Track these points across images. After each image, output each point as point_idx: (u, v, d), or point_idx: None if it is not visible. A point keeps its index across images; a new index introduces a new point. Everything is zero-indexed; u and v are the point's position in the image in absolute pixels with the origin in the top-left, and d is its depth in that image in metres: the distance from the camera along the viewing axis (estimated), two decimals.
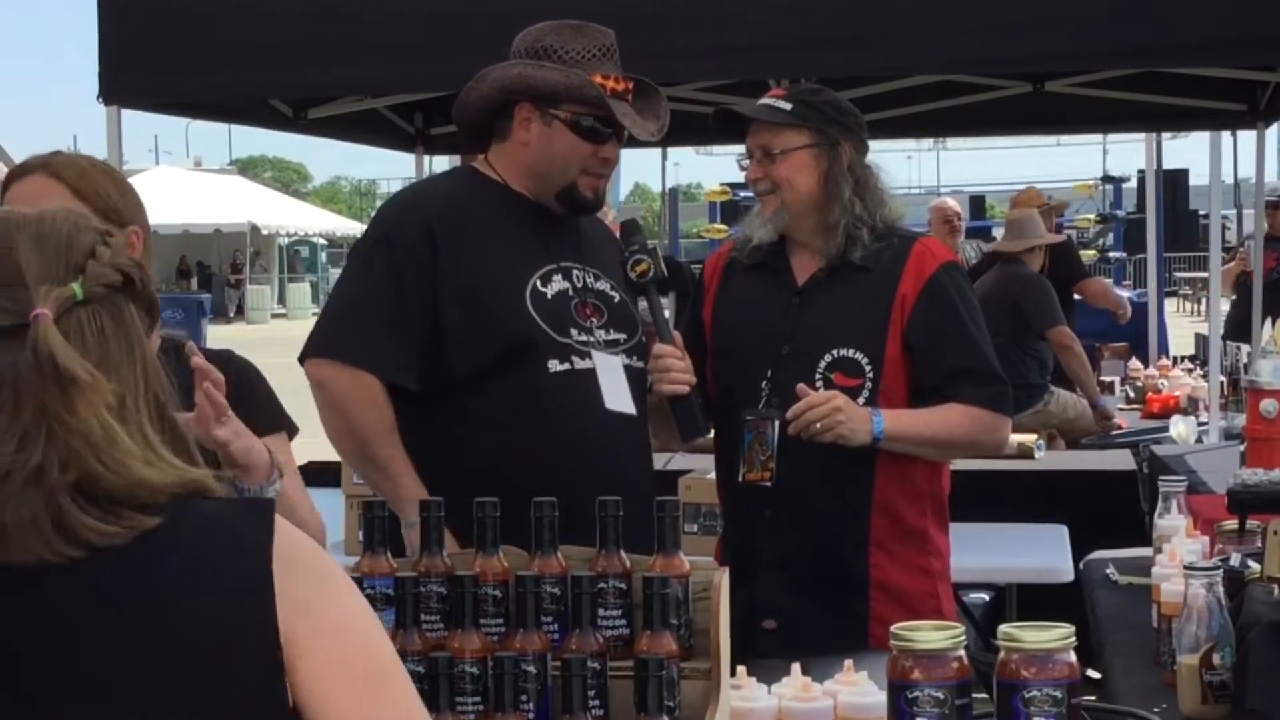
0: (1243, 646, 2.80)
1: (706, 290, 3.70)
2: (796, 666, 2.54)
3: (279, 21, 5.32)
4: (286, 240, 47.15)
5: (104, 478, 1.52)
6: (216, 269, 44.21)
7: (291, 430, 2.88)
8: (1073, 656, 2.15)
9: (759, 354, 3.52)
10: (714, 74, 5.80)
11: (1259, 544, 3.19)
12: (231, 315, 40.73)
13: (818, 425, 3.34)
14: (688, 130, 6.51)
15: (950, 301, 3.50)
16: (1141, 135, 14.31)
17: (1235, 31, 4.83)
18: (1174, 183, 23.11)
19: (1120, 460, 6.61)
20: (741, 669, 2.51)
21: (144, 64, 5.43)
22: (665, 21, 5.02)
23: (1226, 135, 8.85)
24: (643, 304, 3.48)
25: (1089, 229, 23.64)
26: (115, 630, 1.50)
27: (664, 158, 14.04)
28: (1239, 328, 8.56)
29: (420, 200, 3.47)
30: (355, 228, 41.02)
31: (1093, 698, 3.11)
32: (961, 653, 2.17)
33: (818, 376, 3.45)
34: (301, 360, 3.31)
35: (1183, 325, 20.52)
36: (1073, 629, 2.16)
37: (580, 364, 3.29)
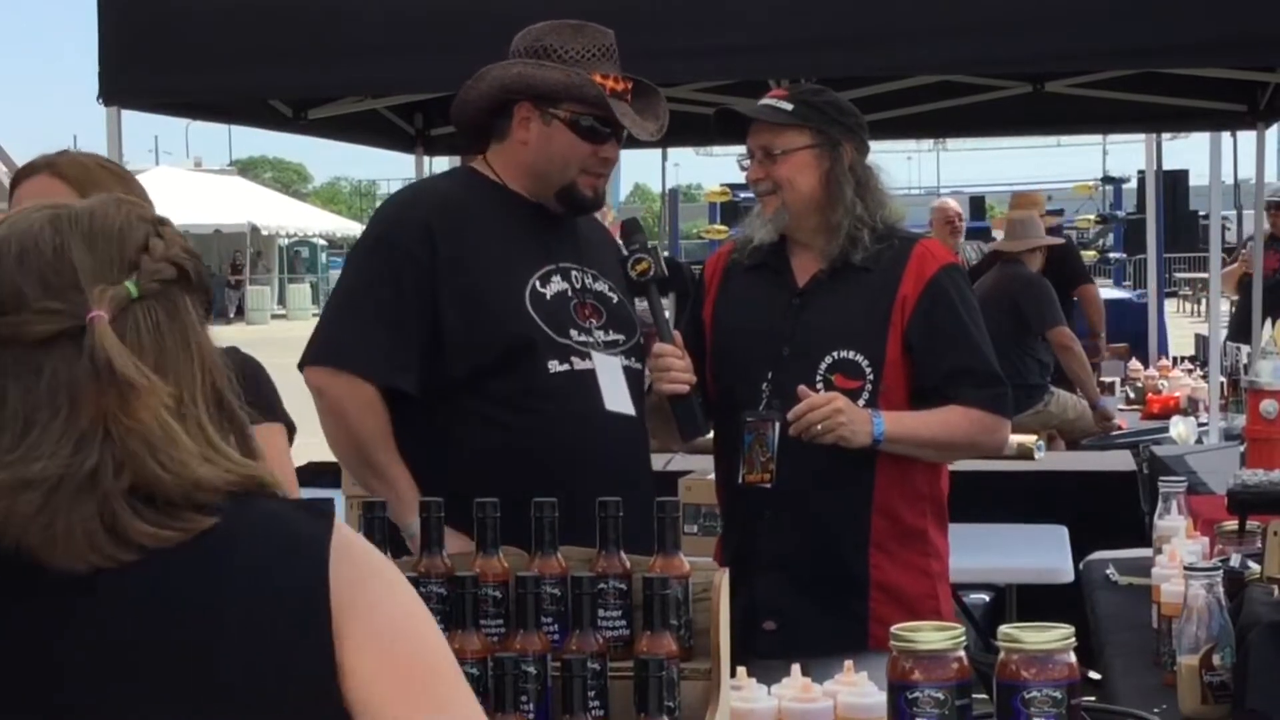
0: (1243, 647, 2.80)
1: (707, 291, 3.70)
2: (796, 667, 2.54)
3: (279, 21, 5.32)
4: (286, 241, 47.15)
5: (161, 480, 1.51)
6: (216, 270, 44.21)
7: (289, 426, 2.88)
8: (1073, 657, 2.14)
9: (759, 355, 3.52)
10: (714, 74, 5.80)
11: (1259, 544, 3.19)
12: (231, 316, 40.72)
13: (818, 427, 3.34)
14: (688, 130, 6.52)
15: (951, 303, 3.50)
16: (1141, 135, 14.31)
17: (1235, 31, 4.83)
18: (1174, 183, 23.10)
19: (1120, 461, 6.61)
20: (741, 669, 2.51)
21: (144, 64, 5.43)
22: (665, 21, 5.02)
23: (1226, 135, 8.86)
24: (643, 304, 3.48)
25: (1089, 229, 23.65)
26: (168, 632, 1.50)
27: (664, 158, 14.04)
28: (1242, 328, 8.56)
29: (419, 200, 3.47)
30: (355, 228, 41.02)
31: (1093, 698, 3.11)
32: (961, 653, 2.17)
33: (818, 378, 3.44)
34: (301, 367, 3.30)
35: (1183, 326, 20.52)
36: (1073, 630, 2.16)
37: (580, 365, 3.29)
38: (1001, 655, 2.16)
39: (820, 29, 5.00)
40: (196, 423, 1.55)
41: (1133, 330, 11.51)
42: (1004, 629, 2.17)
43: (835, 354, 3.46)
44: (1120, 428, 8.08)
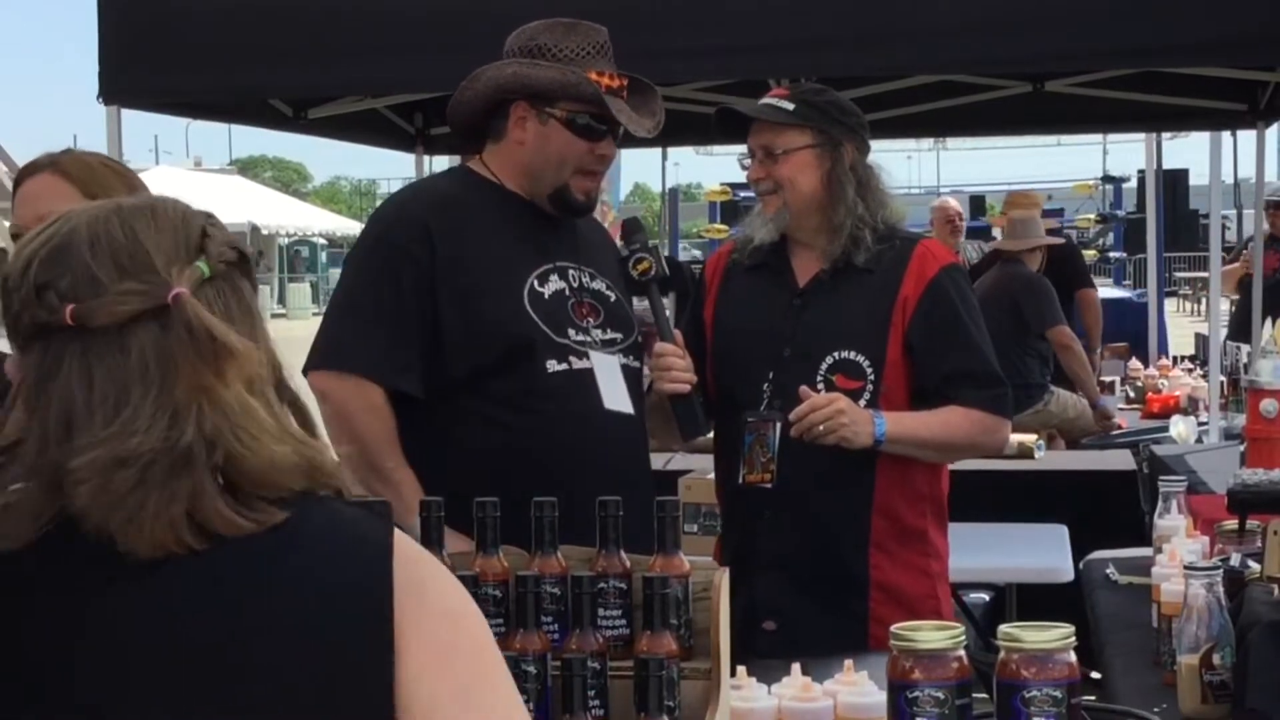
0: (1243, 646, 2.80)
1: (707, 291, 3.70)
2: (796, 667, 2.54)
3: (279, 21, 5.32)
4: (286, 240, 47.15)
5: (243, 457, 1.53)
6: None
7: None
8: (1073, 656, 2.15)
9: (760, 356, 3.52)
10: (714, 74, 5.79)
11: (1259, 544, 3.19)
12: None
13: (821, 428, 3.34)
14: (688, 130, 6.52)
15: (952, 304, 3.50)
16: (1141, 135, 14.31)
17: (1235, 31, 4.83)
18: (1174, 183, 23.09)
19: (1120, 460, 6.61)
20: (741, 669, 2.51)
21: (144, 64, 5.42)
22: (665, 21, 5.02)
23: (1226, 135, 8.85)
24: (643, 303, 3.48)
25: (1089, 229, 23.64)
26: (228, 627, 1.51)
27: (664, 158, 14.03)
28: (1241, 328, 8.57)
29: (417, 200, 3.47)
30: (355, 228, 41.00)
31: (1093, 698, 3.11)
32: (961, 653, 2.17)
33: (819, 378, 3.44)
34: (305, 373, 3.29)
35: (1183, 325, 20.52)
36: (1073, 629, 2.16)
37: (578, 364, 3.29)
38: (1001, 655, 2.16)
39: (820, 29, 5.00)
40: (265, 400, 1.58)
41: (1133, 330, 11.51)
42: (1004, 628, 2.17)
43: (836, 354, 3.46)
44: (1120, 427, 8.08)
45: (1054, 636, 2.14)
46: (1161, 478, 4.07)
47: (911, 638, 2.17)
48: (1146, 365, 9.92)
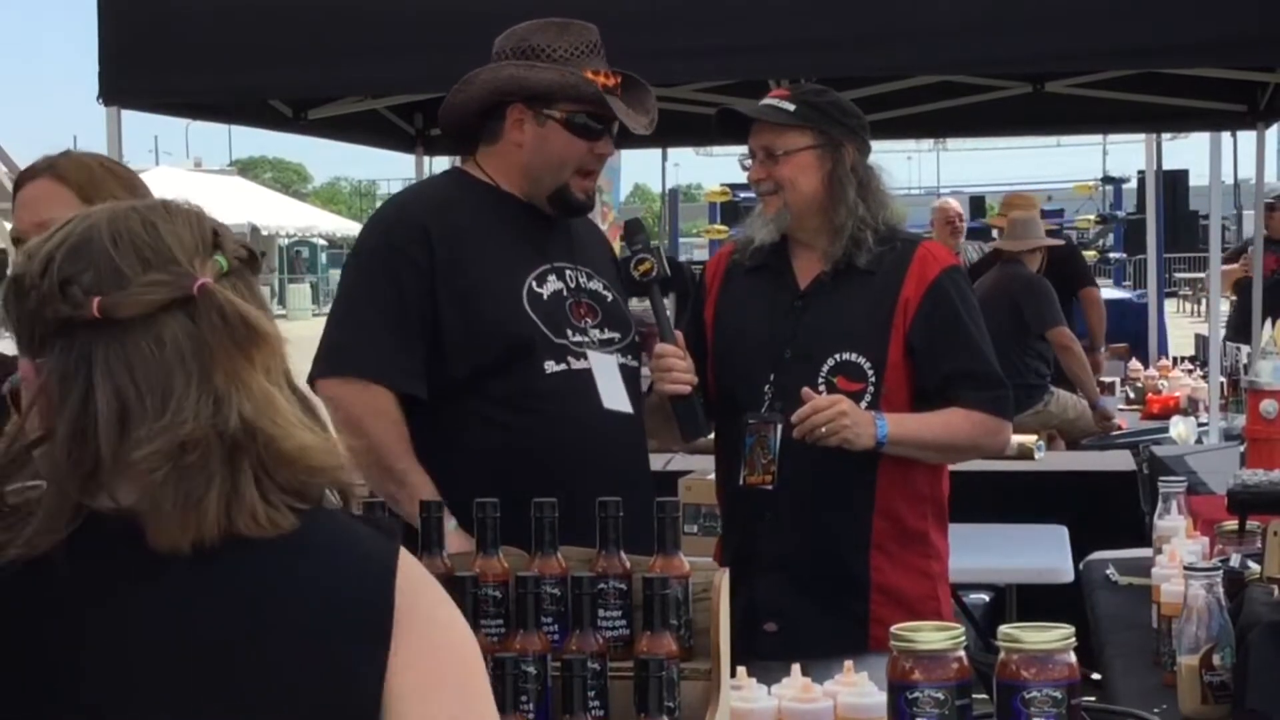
0: (1243, 647, 2.80)
1: (708, 292, 3.70)
2: (796, 667, 2.54)
3: (279, 21, 5.32)
4: (286, 241, 47.15)
5: (280, 440, 1.56)
6: None
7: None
8: (1073, 657, 2.15)
9: (761, 357, 3.52)
10: (714, 74, 5.79)
11: (1259, 544, 3.19)
12: None
13: (823, 429, 3.33)
14: (688, 130, 6.52)
15: (953, 306, 3.50)
16: (1141, 136, 14.30)
17: (1235, 31, 4.83)
18: (1174, 183, 23.07)
19: (1120, 461, 6.61)
20: (741, 669, 2.51)
21: (144, 64, 5.42)
22: (665, 21, 5.02)
23: (1226, 136, 8.85)
24: (644, 303, 3.48)
25: (1089, 229, 23.64)
26: (238, 625, 1.53)
27: (664, 158, 14.06)
28: (1240, 330, 8.57)
29: (412, 204, 3.47)
30: (355, 228, 40.95)
31: (1093, 698, 3.12)
32: (961, 653, 2.17)
33: (820, 380, 3.44)
34: (311, 382, 3.29)
35: (1183, 326, 20.52)
36: (1073, 629, 2.16)
37: (576, 364, 3.29)
38: (1001, 655, 2.16)
39: (820, 29, 5.00)
40: (281, 390, 1.61)
41: (1133, 330, 11.51)
42: (1004, 629, 2.17)
43: (837, 356, 3.46)
44: (1120, 428, 8.08)
45: (1054, 637, 2.14)
46: (1161, 478, 4.07)
47: (911, 638, 2.17)
48: (1146, 366, 9.92)
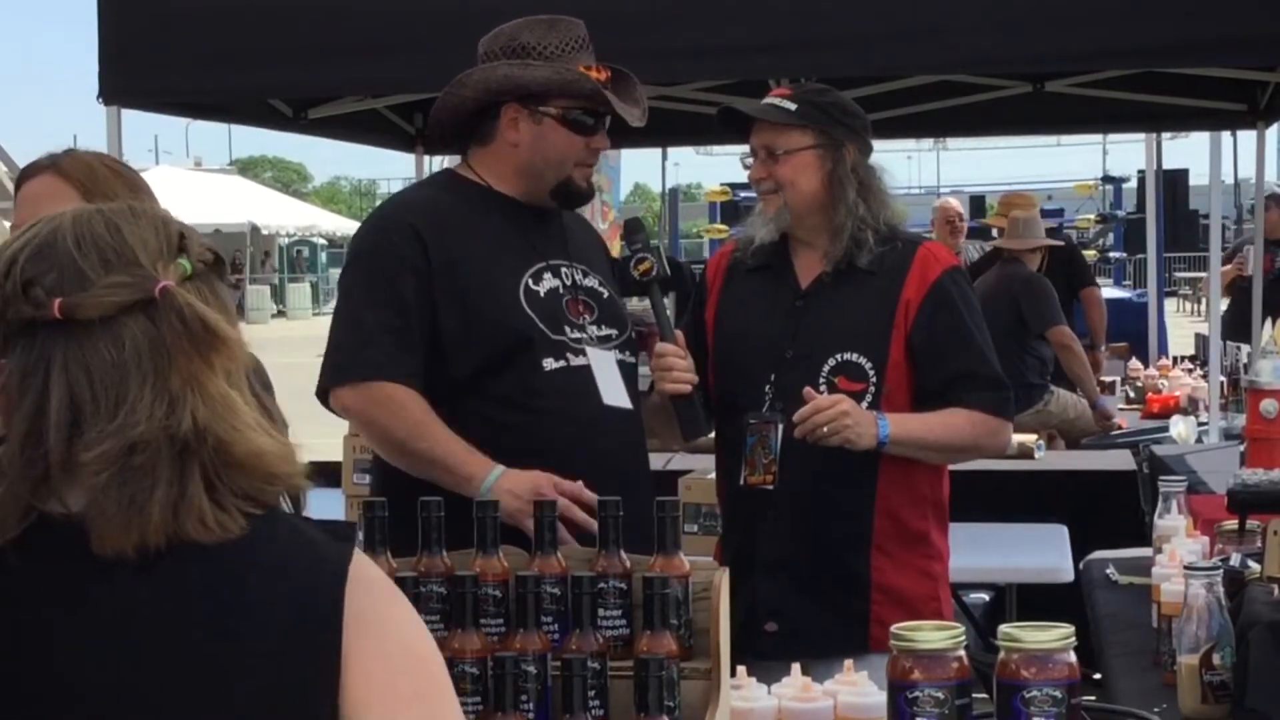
0: (1243, 646, 2.80)
1: (709, 291, 3.69)
2: (796, 667, 2.54)
3: (279, 21, 5.32)
4: (287, 240, 47.15)
5: (232, 444, 1.56)
6: None
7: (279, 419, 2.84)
8: (1073, 656, 2.15)
9: (761, 357, 3.52)
10: (714, 74, 5.80)
11: (1259, 544, 3.19)
12: None
13: (824, 429, 3.33)
14: (688, 130, 6.52)
15: (954, 307, 3.50)
16: (1141, 135, 14.30)
17: (1235, 31, 4.83)
18: (1174, 183, 23.07)
19: (1120, 460, 6.61)
20: (741, 669, 2.52)
21: (144, 64, 5.42)
22: (665, 21, 5.02)
23: (1226, 135, 8.85)
24: (644, 303, 3.48)
25: (1089, 229, 23.64)
26: (188, 630, 1.53)
27: (664, 158, 14.06)
28: (1236, 330, 8.56)
29: (403, 207, 3.47)
30: (355, 228, 40.93)
31: (1093, 698, 3.11)
32: (961, 653, 2.17)
33: (821, 380, 3.44)
34: (323, 394, 3.28)
35: (1183, 325, 20.52)
36: (1073, 629, 2.16)
37: (575, 361, 3.29)
38: (1001, 655, 2.16)
39: (820, 29, 5.00)
40: (242, 394, 1.61)
41: (1133, 330, 11.51)
42: (1004, 629, 2.17)
43: (838, 356, 3.46)
44: (1120, 427, 8.08)
45: (1054, 636, 2.14)
46: (1161, 478, 4.07)
47: (911, 638, 2.17)
48: (1146, 365, 9.91)
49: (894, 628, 2.22)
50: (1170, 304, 21.91)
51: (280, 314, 43.26)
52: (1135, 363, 9.82)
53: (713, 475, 3.88)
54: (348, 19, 5.26)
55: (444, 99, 3.39)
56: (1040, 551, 5.16)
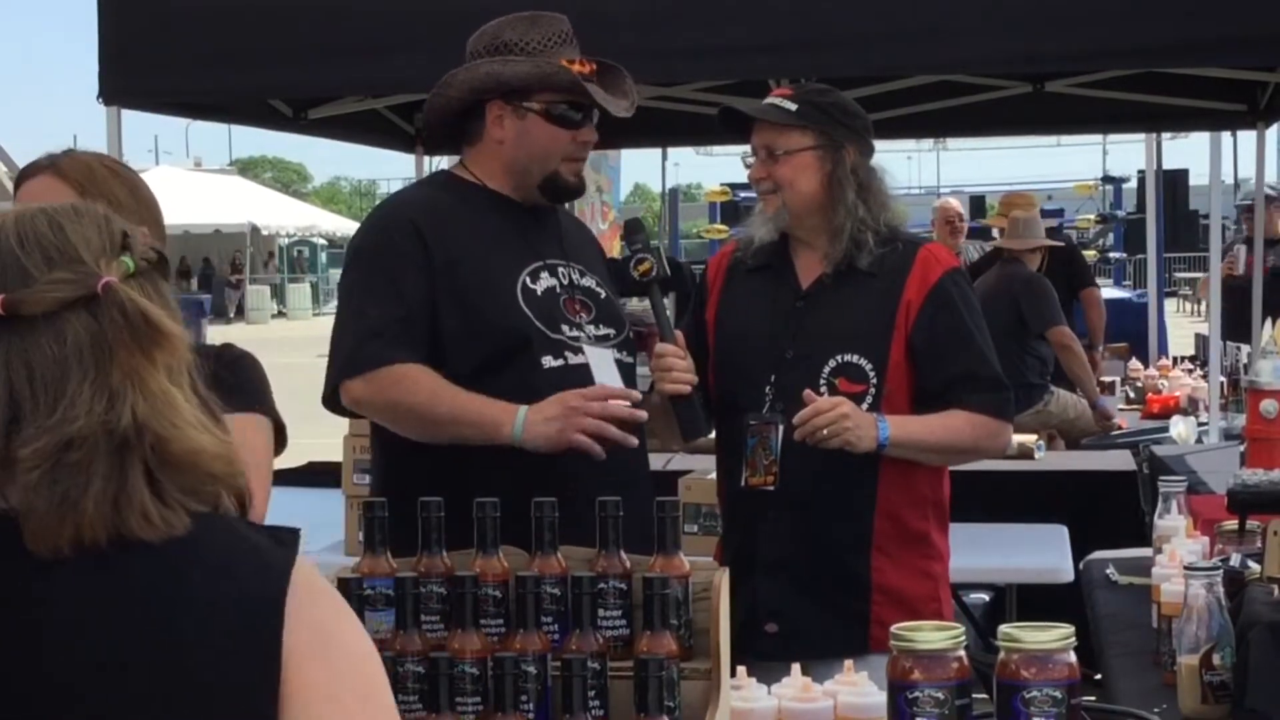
0: (1243, 646, 2.80)
1: (709, 291, 3.69)
2: (796, 667, 2.54)
3: (279, 21, 5.32)
4: (287, 240, 47.18)
5: (170, 441, 1.56)
6: (217, 269, 44.25)
7: (276, 423, 2.84)
8: (1073, 657, 2.15)
9: (762, 358, 3.52)
10: (714, 74, 5.80)
11: (1259, 544, 3.19)
12: (231, 315, 40.74)
13: (824, 431, 3.33)
14: (688, 130, 6.52)
15: (955, 308, 3.50)
16: (1141, 135, 14.31)
17: (1235, 31, 4.83)
18: (1174, 183, 23.08)
19: (1120, 460, 6.61)
20: (741, 669, 2.51)
21: (144, 64, 5.42)
22: (665, 21, 5.02)
23: (1226, 135, 8.85)
24: (644, 303, 3.48)
25: (1089, 229, 23.65)
26: (127, 629, 1.52)
27: (664, 158, 14.04)
28: (1226, 330, 8.55)
29: (404, 206, 3.47)
30: (355, 228, 41.00)
31: (1093, 698, 3.11)
32: (961, 653, 2.17)
33: (821, 381, 3.44)
34: (333, 392, 3.28)
35: (1183, 325, 20.52)
36: (1073, 629, 2.16)
37: (573, 359, 3.30)
38: (1001, 655, 2.16)
39: (820, 29, 5.00)
40: (184, 391, 1.61)
41: (1133, 330, 11.51)
42: (1004, 629, 2.17)
43: (839, 358, 3.46)
44: (1120, 427, 8.08)
45: (1054, 637, 2.14)
46: (1161, 478, 4.07)
47: (911, 638, 2.17)
48: (1146, 365, 9.92)
49: (894, 628, 2.21)
50: (1170, 304, 21.91)
51: (280, 314, 43.29)
52: (1135, 363, 9.83)
53: (713, 475, 3.88)
54: (348, 19, 5.26)
55: (432, 100, 3.41)
56: (1040, 552, 5.16)
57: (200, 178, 46.68)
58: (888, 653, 2.22)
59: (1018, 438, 5.98)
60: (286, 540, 1.62)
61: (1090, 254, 17.85)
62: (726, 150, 16.58)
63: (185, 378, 1.62)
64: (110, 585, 1.53)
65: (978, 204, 26.39)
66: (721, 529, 3.75)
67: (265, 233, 43.31)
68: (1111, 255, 23.88)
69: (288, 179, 77.94)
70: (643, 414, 3.13)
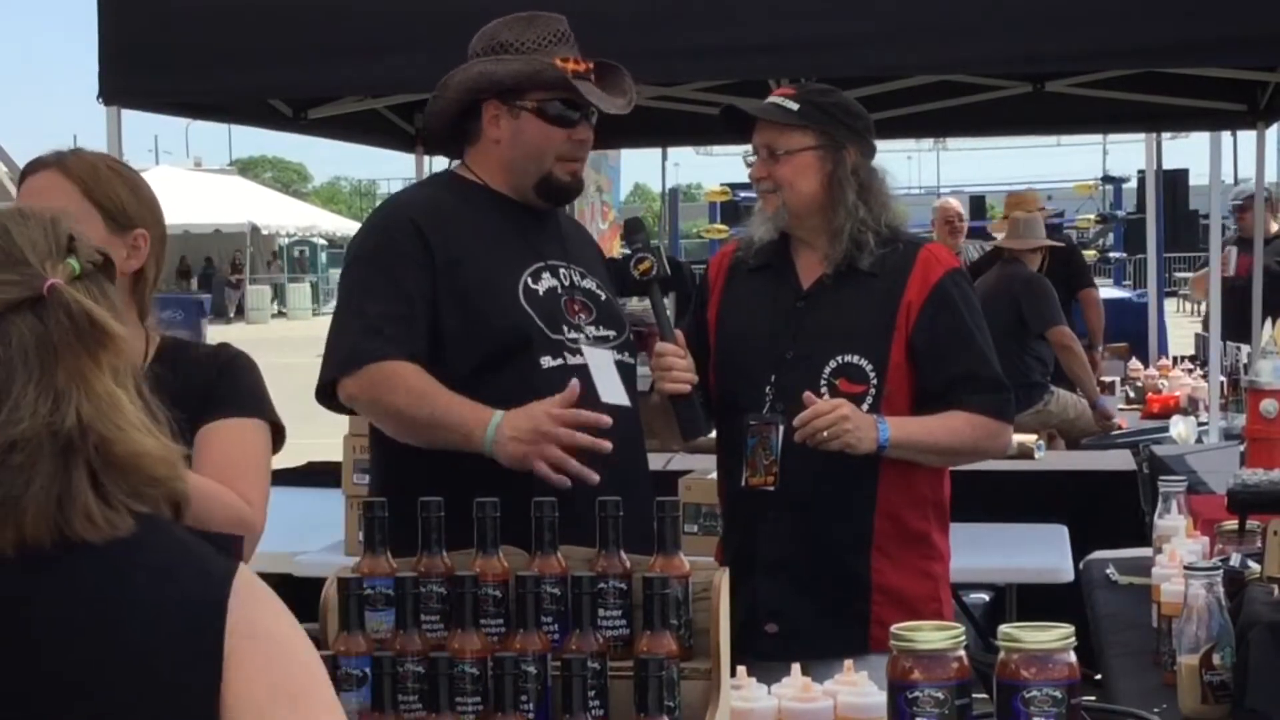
0: (1243, 646, 2.80)
1: (710, 290, 3.69)
2: (796, 667, 2.54)
3: (279, 21, 5.32)
4: (287, 240, 47.18)
5: (114, 443, 1.56)
6: (218, 269, 44.28)
7: (274, 425, 2.84)
8: (1073, 657, 2.14)
9: (762, 358, 3.51)
10: (714, 74, 5.80)
11: (1259, 544, 3.19)
12: (231, 315, 40.74)
13: (824, 433, 3.33)
14: (688, 130, 6.51)
15: (956, 309, 3.50)
16: (1141, 135, 14.31)
17: (1235, 31, 4.83)
18: (1174, 183, 23.08)
19: (1120, 460, 6.61)
20: (741, 669, 2.51)
21: (144, 64, 5.42)
22: (665, 21, 5.02)
23: (1226, 135, 8.85)
24: (644, 303, 3.48)
25: (1089, 229, 23.63)
26: (66, 631, 1.52)
27: (664, 158, 14.08)
28: (1223, 331, 8.55)
29: (405, 206, 3.47)
30: (355, 228, 40.90)
31: (1093, 698, 3.11)
32: (961, 653, 2.17)
33: (822, 382, 3.44)
34: (327, 388, 3.28)
35: (1183, 325, 20.51)
36: (1073, 629, 2.16)
37: (573, 360, 3.30)
38: (1001, 655, 2.16)
39: (820, 29, 5.00)
40: (129, 394, 1.62)
41: (1133, 330, 11.51)
42: (1004, 629, 2.17)
43: (839, 358, 3.46)
44: (1120, 427, 8.08)
45: (1054, 636, 2.14)
46: (1161, 478, 4.07)
47: (911, 638, 2.17)
48: (1146, 365, 9.91)
49: (894, 628, 2.21)
50: (1170, 304, 21.91)
51: (280, 314, 43.30)
52: (1135, 363, 9.83)
53: (713, 475, 3.87)
54: (348, 19, 5.27)
55: (431, 103, 3.42)
56: (1040, 551, 5.16)
57: (200, 178, 46.68)
58: (888, 653, 2.22)
59: (1018, 438, 5.98)
60: (226, 547, 1.63)
61: (1090, 254, 17.84)
62: (726, 150, 16.60)
63: (130, 379, 1.62)
64: (53, 586, 1.53)
65: (978, 204, 26.40)
66: (721, 529, 3.75)
67: (265, 233, 43.31)
68: (1111, 255, 23.87)
69: (288, 179, 77.97)
70: (606, 445, 3.06)
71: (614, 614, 2.36)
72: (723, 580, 2.40)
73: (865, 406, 3.42)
